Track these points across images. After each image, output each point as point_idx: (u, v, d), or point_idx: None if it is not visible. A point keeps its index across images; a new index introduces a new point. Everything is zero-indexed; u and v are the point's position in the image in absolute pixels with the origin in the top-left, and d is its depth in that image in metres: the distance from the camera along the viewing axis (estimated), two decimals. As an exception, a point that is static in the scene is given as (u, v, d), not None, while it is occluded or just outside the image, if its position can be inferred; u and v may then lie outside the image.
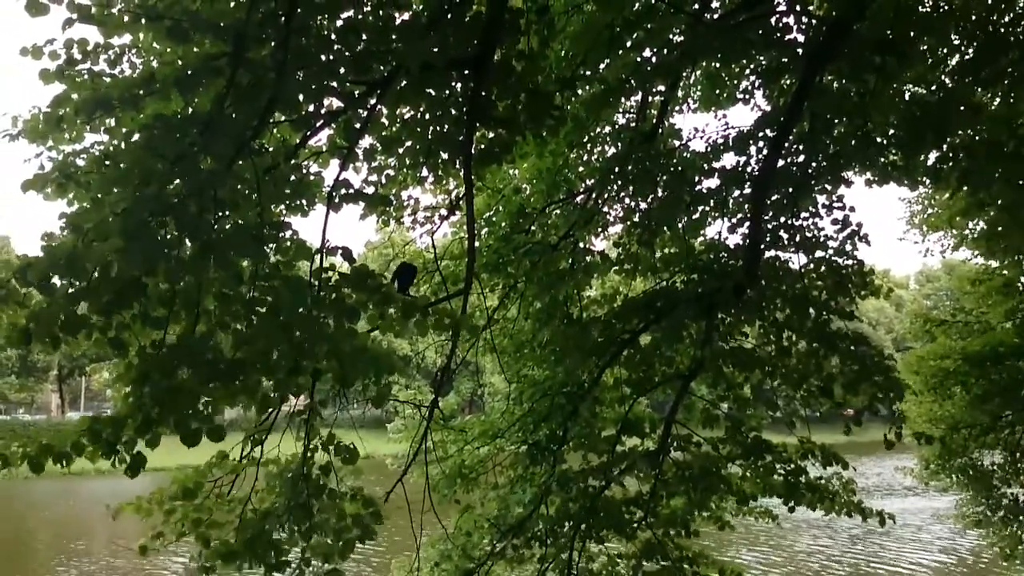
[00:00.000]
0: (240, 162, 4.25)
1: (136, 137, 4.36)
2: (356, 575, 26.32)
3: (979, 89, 8.73)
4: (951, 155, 8.59)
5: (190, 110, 4.50)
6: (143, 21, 4.31)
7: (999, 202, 10.37)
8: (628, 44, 8.29)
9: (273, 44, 4.36)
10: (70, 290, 3.56)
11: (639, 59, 8.55)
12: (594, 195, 9.66)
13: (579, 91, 8.84)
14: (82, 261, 3.43)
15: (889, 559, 28.92)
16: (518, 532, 8.45)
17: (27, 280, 3.46)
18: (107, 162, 4.17)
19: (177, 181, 3.91)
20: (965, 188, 9.65)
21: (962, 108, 8.17)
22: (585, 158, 9.96)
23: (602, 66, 8.57)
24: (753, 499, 8.12)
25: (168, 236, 3.72)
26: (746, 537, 31.13)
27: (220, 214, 4.10)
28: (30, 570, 28.20)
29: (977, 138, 8.95)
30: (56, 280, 3.58)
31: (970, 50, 8.25)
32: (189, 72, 4.18)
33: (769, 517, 8.86)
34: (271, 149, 5.16)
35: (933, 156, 8.77)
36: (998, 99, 9.53)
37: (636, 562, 8.38)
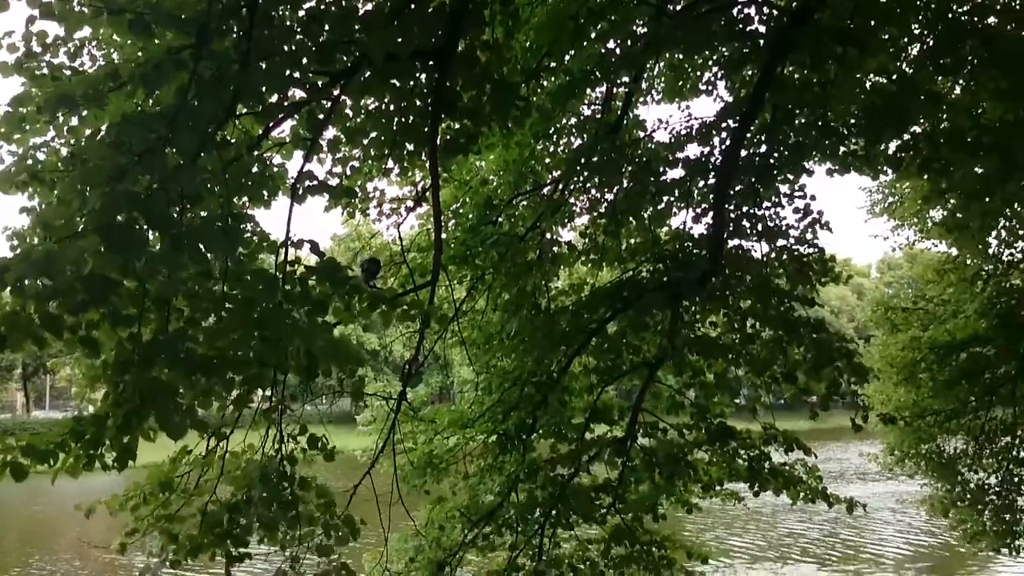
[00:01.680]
0: (204, 155, 4.24)
1: (102, 134, 4.32)
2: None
3: (939, 77, 8.86)
4: (912, 144, 8.72)
5: (154, 104, 4.47)
6: (104, 15, 4.27)
7: (959, 191, 10.53)
8: (592, 35, 8.35)
9: (236, 35, 4.34)
10: (40, 291, 3.53)
11: (603, 50, 8.62)
12: (560, 186, 9.72)
13: (544, 82, 8.89)
14: (58, 262, 3.40)
15: (873, 541, 29.48)
16: (488, 520, 8.50)
17: (3, 283, 3.42)
18: (72, 163, 4.12)
19: (146, 177, 3.89)
20: (926, 177, 9.79)
21: (923, 97, 8.28)
22: (551, 149, 10.00)
23: (567, 57, 8.61)
24: (719, 484, 8.24)
25: (140, 233, 3.70)
26: (728, 522, 31.61)
27: (186, 208, 4.08)
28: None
29: (938, 126, 9.10)
30: (26, 280, 3.55)
31: (930, 39, 8.36)
32: (152, 66, 4.15)
33: (736, 499, 8.98)
34: (234, 141, 5.14)
35: (894, 145, 8.90)
36: (959, 87, 9.68)
37: (605, 547, 8.48)
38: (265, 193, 5.13)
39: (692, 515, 9.06)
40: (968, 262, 14.03)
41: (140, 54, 4.53)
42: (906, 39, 8.53)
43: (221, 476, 5.37)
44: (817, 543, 29.46)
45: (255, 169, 4.96)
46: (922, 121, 8.81)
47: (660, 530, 8.84)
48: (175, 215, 3.86)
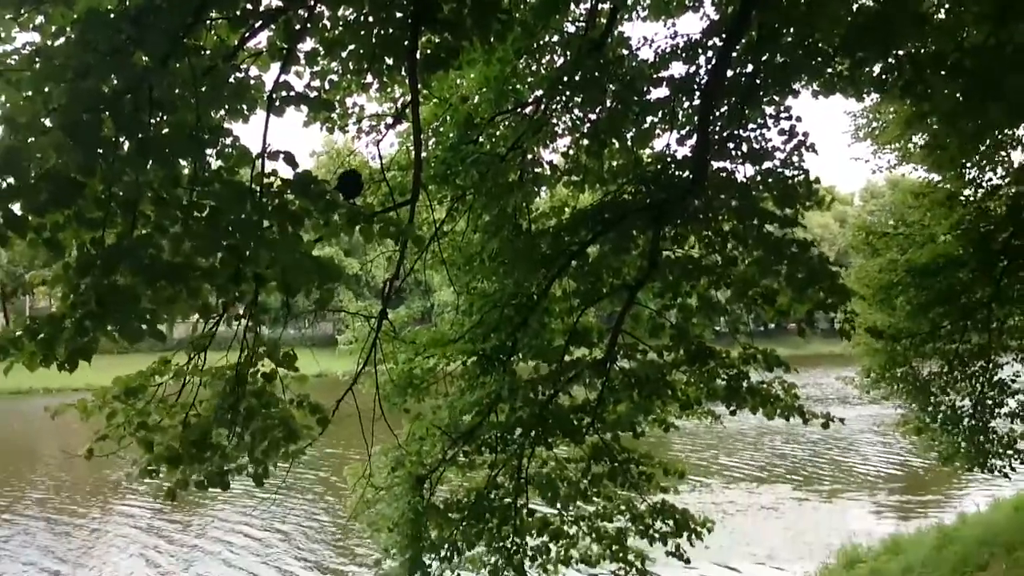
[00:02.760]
0: (176, 63, 4.12)
1: (68, 33, 4.18)
2: (306, 481, 26.72)
3: (924, -1, 8.76)
4: (896, 66, 8.65)
5: (124, 5, 4.31)
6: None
7: (940, 114, 10.50)
8: (577, -52, 8.13)
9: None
10: (4, 189, 3.46)
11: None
12: (542, 105, 9.57)
13: (527, -4, 8.68)
14: (20, 157, 3.32)
15: (851, 463, 30.29)
16: (468, 439, 8.60)
17: None
18: (38, 59, 3.99)
19: (113, 78, 3.78)
20: (908, 100, 9.74)
21: (908, 18, 8.18)
22: (533, 67, 9.82)
23: (551, -30, 8.40)
24: (697, 403, 8.33)
25: (105, 134, 3.62)
26: (714, 444, 32.38)
27: (157, 114, 3.98)
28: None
29: (922, 49, 9.02)
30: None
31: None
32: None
33: (713, 418, 9.10)
34: (208, 51, 4.98)
35: (878, 67, 8.83)
36: (943, 10, 9.58)
37: (586, 465, 8.62)
38: (243, 106, 5.00)
39: (679, 438, 9.28)
40: (948, 186, 14.06)
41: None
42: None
43: (198, 391, 5.36)
44: (797, 465, 30.20)
45: (231, 80, 4.83)
46: (906, 43, 8.71)
47: (637, 447, 8.97)
48: (145, 120, 3.76)
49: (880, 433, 32.11)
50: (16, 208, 3.52)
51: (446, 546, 8.70)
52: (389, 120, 9.41)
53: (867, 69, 8.73)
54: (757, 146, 8.35)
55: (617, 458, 8.58)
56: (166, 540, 21.56)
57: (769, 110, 8.42)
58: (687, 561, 9.07)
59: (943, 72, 8.59)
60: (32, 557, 20.30)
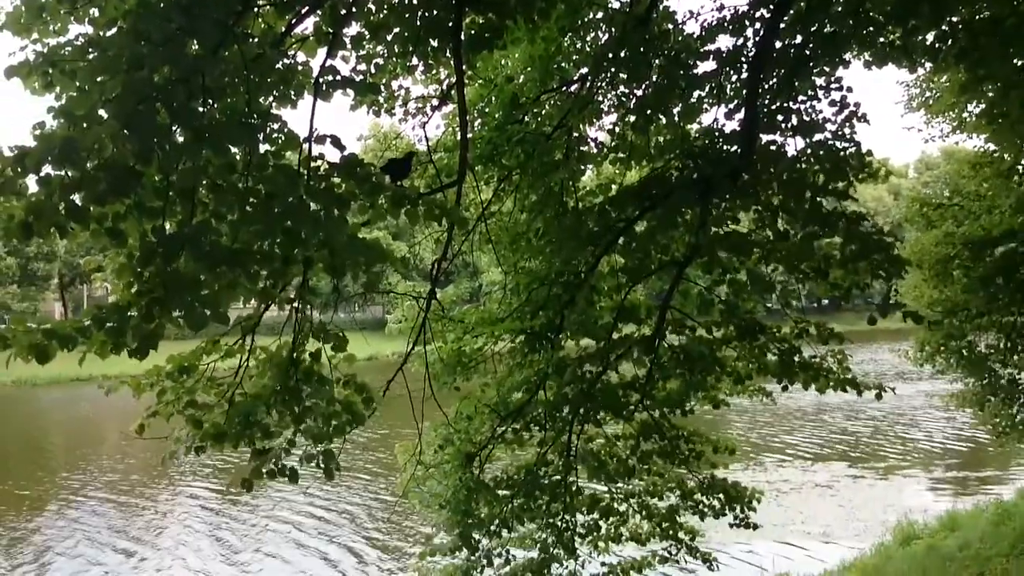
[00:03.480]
0: (226, 51, 4.20)
1: (121, 25, 4.28)
2: (363, 461, 27.14)
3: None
4: (949, 33, 8.45)
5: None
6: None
7: (997, 81, 10.24)
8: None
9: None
10: (65, 180, 3.57)
11: (633, -62, 8.32)
12: (588, 83, 9.52)
13: (571, -27, 8.62)
14: (76, 148, 3.42)
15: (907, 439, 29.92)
16: (517, 417, 8.66)
17: (24, 169, 3.46)
18: (92, 51, 4.10)
19: (165, 67, 3.87)
20: (963, 67, 9.51)
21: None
22: (578, 44, 9.76)
23: (595, -54, 8.34)
24: (748, 379, 8.28)
25: (160, 123, 3.71)
26: (778, 423, 32.21)
27: (209, 102, 4.07)
28: (47, 472, 28.97)
29: (977, 15, 8.79)
30: (51, 171, 3.59)
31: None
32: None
33: (764, 394, 9.05)
34: (256, 38, 5.07)
35: (931, 35, 8.62)
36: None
37: (635, 442, 8.63)
38: (290, 91, 5.09)
39: (736, 416, 9.29)
40: (1006, 156, 13.71)
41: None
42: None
43: (246, 368, 5.48)
44: (853, 441, 29.93)
45: (279, 66, 4.91)
46: (960, 10, 8.49)
47: (687, 425, 8.97)
48: (198, 108, 3.85)
49: (938, 408, 31.58)
50: (77, 199, 3.62)
51: (495, 522, 8.79)
52: (435, 102, 9.46)
53: (920, 37, 8.54)
54: (807, 118, 8.21)
55: (667, 435, 8.58)
56: (234, 520, 22.17)
57: (819, 81, 8.27)
58: (754, 527, 9.08)
59: (999, 38, 8.36)
60: (105, 537, 21.01)
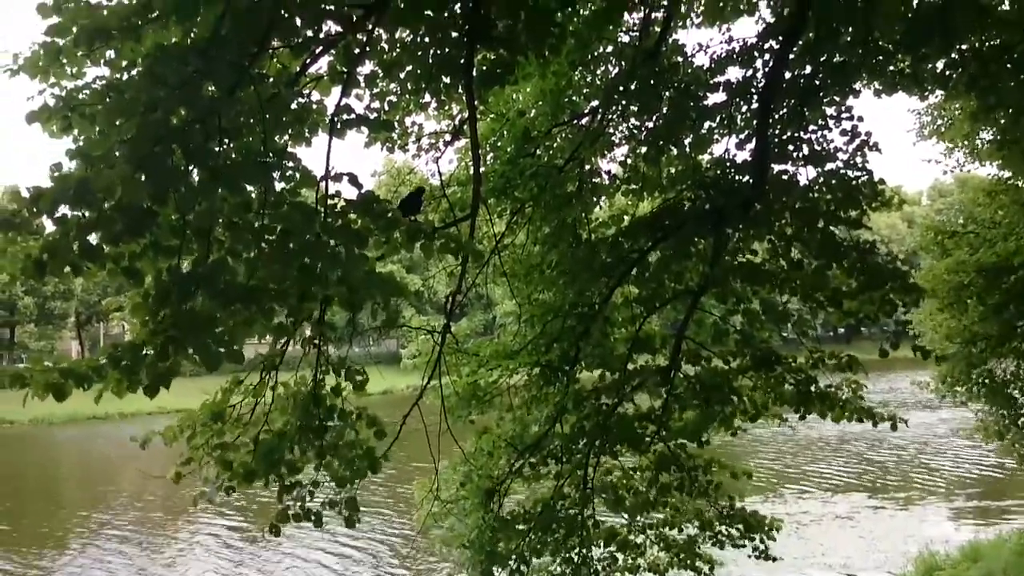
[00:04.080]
0: (242, 92, 4.26)
1: (138, 68, 4.36)
2: (379, 495, 27.03)
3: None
4: (959, 61, 8.48)
5: (189, 39, 4.49)
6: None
7: (1008, 108, 10.24)
8: (629, -42, 8.15)
9: (269, -33, 4.32)
10: (81, 220, 3.61)
11: (640, -27, 8.41)
12: (599, 116, 9.59)
13: (580, 9, 8.70)
14: (92, 189, 3.47)
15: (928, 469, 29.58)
16: (535, 450, 8.62)
17: (39, 209, 3.51)
18: (110, 94, 4.18)
19: (181, 109, 3.93)
20: (974, 95, 9.52)
21: (970, 11, 8.01)
22: (588, 78, 9.84)
23: (603, -18, 8.43)
24: (765, 408, 8.23)
25: (175, 163, 3.76)
26: (800, 453, 31.90)
27: (225, 142, 4.13)
28: (67, 510, 29.01)
29: (987, 43, 8.82)
30: (67, 212, 3.63)
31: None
32: (186, -2, 4.16)
33: (781, 421, 8.99)
34: (272, 78, 5.15)
35: (941, 63, 8.66)
36: (1008, 1, 9.34)
37: (652, 474, 8.57)
38: (305, 130, 5.16)
39: (758, 446, 9.20)
40: (1020, 183, 13.69)
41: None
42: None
43: (271, 406, 5.52)
44: (873, 472, 29.63)
45: (294, 105, 4.98)
46: (970, 37, 8.53)
47: (704, 454, 8.91)
48: (214, 148, 3.90)
49: (960, 436, 31.24)
50: (93, 239, 3.67)
51: (513, 558, 8.73)
52: (448, 137, 9.54)
53: (930, 65, 8.58)
54: (819, 147, 8.24)
55: (684, 467, 8.53)
56: (256, 557, 22.10)
57: (830, 111, 8.30)
58: (774, 559, 8.99)
59: (1009, 65, 8.39)
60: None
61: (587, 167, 9.63)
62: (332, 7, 4.83)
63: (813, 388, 7.80)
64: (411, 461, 25.31)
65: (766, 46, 8.51)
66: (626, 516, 8.99)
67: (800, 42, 8.22)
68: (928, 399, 30.75)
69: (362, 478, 5.66)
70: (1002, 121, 11.57)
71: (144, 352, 3.91)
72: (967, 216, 15.51)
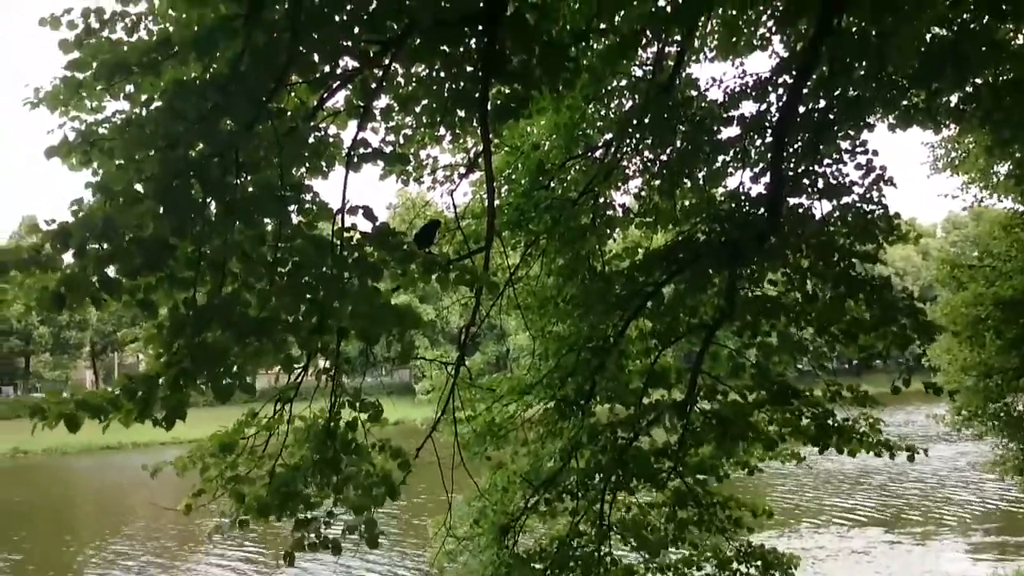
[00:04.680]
0: (260, 127, 4.30)
1: (157, 102, 4.40)
2: (391, 530, 26.82)
3: (1000, 26, 8.56)
4: (974, 95, 8.47)
5: (208, 74, 4.53)
6: (158, -15, 4.34)
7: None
8: (642, -7, 8.20)
9: (287, 4, 4.38)
10: (100, 254, 3.63)
11: (654, 9, 8.46)
12: (613, 149, 9.62)
13: (594, 44, 8.77)
14: (115, 226, 3.49)
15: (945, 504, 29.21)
16: (550, 486, 8.55)
17: (65, 245, 3.53)
18: (129, 128, 4.22)
19: (200, 144, 3.96)
20: (987, 128, 9.50)
21: (983, 46, 8.02)
22: (603, 112, 9.90)
23: (617, 17, 8.48)
24: (781, 441, 8.14)
25: (195, 198, 3.79)
26: (819, 487, 31.56)
27: (242, 175, 4.15)
28: (83, 540, 28.94)
29: (1000, 77, 8.81)
30: (87, 246, 3.65)
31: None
32: (205, 35, 4.21)
33: (797, 459, 8.89)
34: (289, 112, 5.19)
35: (955, 97, 8.66)
36: (1021, 36, 9.35)
37: (669, 510, 8.48)
38: (322, 163, 5.19)
39: (777, 480, 9.10)
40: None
41: (195, 27, 4.59)
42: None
43: (286, 440, 5.49)
44: (890, 506, 29.25)
45: (311, 139, 5.02)
46: (984, 72, 8.53)
47: (721, 490, 8.81)
48: (232, 182, 3.93)
49: (979, 470, 30.82)
50: (111, 271, 3.69)
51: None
52: (462, 170, 9.58)
53: (944, 99, 8.57)
54: (833, 181, 8.23)
55: (702, 502, 8.43)
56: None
57: (844, 144, 8.31)
58: None
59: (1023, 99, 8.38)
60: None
61: (601, 200, 9.65)
62: (349, 43, 4.87)
63: (831, 422, 7.72)
64: (426, 494, 25.22)
65: (780, 80, 8.54)
66: (644, 554, 8.86)
67: (814, 76, 8.24)
68: (948, 432, 30.51)
69: (379, 505, 5.59)
70: (1017, 155, 11.55)
71: (159, 383, 3.92)
72: (983, 249, 15.42)
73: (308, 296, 4.18)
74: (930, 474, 32.92)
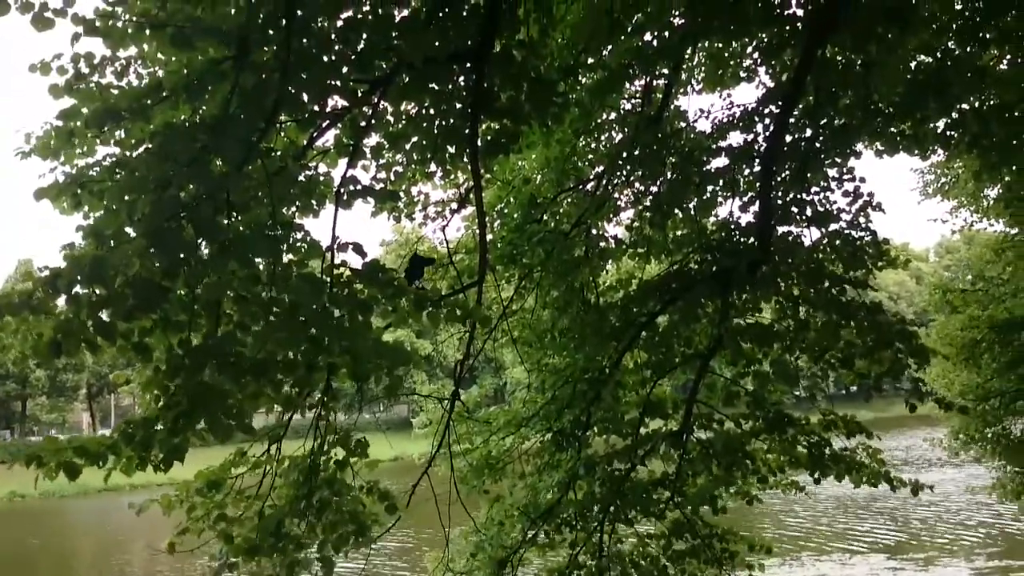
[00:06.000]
0: (250, 166, 4.34)
1: (147, 145, 4.45)
2: (387, 564, 26.57)
3: (984, 52, 8.68)
4: (960, 121, 8.56)
5: (198, 117, 4.59)
6: (147, 31, 4.39)
7: (1013, 167, 10.31)
8: (629, 28, 8.31)
9: (275, 46, 4.44)
10: (93, 298, 3.64)
11: (640, 43, 8.57)
12: (604, 181, 9.70)
13: (582, 78, 8.87)
14: (105, 267, 3.51)
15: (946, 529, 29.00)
16: (548, 518, 8.51)
17: (56, 289, 3.54)
18: (119, 171, 4.26)
19: (191, 185, 4.00)
20: (975, 152, 9.60)
21: (968, 72, 8.12)
22: (592, 145, 9.99)
23: (604, 52, 8.60)
24: (780, 471, 8.13)
25: (186, 239, 3.81)
26: (820, 513, 31.32)
27: (234, 216, 4.19)
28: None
29: (986, 102, 8.92)
30: (78, 290, 3.66)
31: (971, 12, 8.20)
32: (195, 78, 4.26)
33: (796, 488, 8.86)
34: (279, 152, 5.24)
35: (942, 123, 8.75)
36: (1006, 61, 9.47)
37: (666, 541, 8.43)
38: (313, 202, 5.23)
39: (776, 507, 9.04)
40: (1025, 239, 13.72)
41: (184, 70, 4.65)
42: (947, 16, 8.35)
43: (275, 480, 5.47)
44: (892, 532, 29.05)
45: (301, 178, 5.06)
46: (970, 98, 8.63)
47: (720, 523, 8.77)
48: (223, 222, 3.96)
49: (975, 494, 30.66)
50: (105, 316, 3.69)
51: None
52: (454, 205, 9.66)
53: (930, 126, 8.66)
54: (822, 209, 8.28)
55: (699, 533, 8.38)
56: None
57: (832, 172, 8.38)
58: None
59: (1010, 123, 8.47)
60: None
61: (593, 232, 9.70)
62: (338, 82, 4.93)
63: (828, 451, 7.71)
64: (423, 528, 25.00)
65: (766, 111, 8.63)
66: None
67: (800, 106, 8.34)
68: (940, 456, 30.32)
69: (346, 545, 5.54)
70: (1006, 178, 11.64)
71: (156, 427, 3.92)
72: (976, 273, 15.49)
73: (304, 334, 4.19)
74: (942, 498, 32.65)
